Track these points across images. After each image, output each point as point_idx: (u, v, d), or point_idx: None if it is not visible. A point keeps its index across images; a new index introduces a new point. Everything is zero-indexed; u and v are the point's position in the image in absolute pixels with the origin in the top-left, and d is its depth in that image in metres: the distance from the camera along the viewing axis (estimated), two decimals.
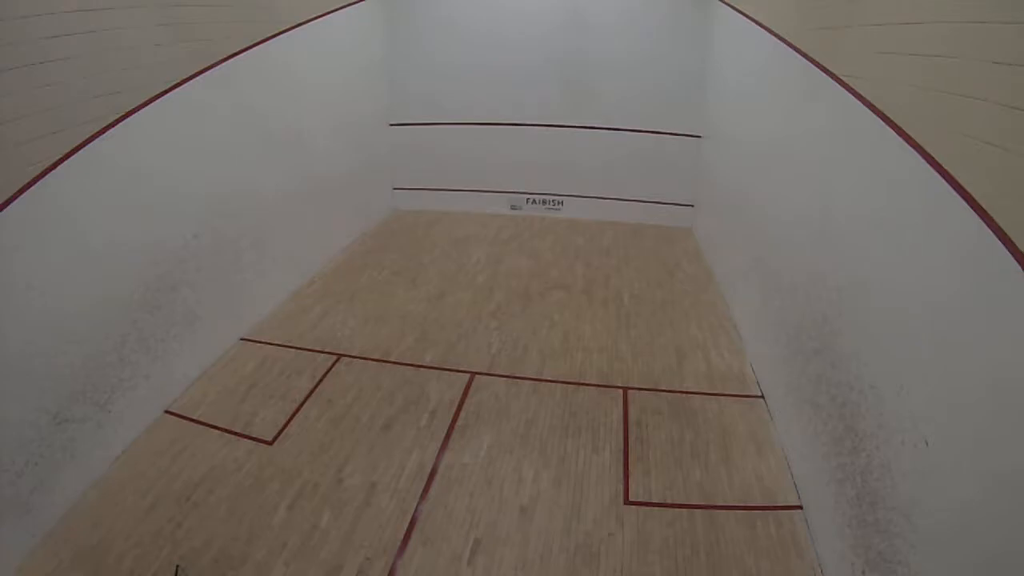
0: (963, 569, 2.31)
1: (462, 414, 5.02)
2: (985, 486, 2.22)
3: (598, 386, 5.40)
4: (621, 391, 5.33)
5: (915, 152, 2.86)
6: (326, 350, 5.91)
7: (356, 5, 7.96)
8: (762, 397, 5.21)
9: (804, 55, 4.59)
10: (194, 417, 4.95)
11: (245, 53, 5.78)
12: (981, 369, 2.30)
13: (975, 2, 2.52)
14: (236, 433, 4.77)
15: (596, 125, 9.09)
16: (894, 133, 3.08)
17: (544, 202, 9.70)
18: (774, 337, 4.96)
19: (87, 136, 4.07)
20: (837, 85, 3.90)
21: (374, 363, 5.73)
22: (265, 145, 6.29)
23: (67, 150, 3.92)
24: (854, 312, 3.50)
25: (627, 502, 4.12)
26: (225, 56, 5.50)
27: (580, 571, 3.62)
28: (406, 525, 3.94)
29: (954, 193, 2.52)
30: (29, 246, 3.70)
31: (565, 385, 5.41)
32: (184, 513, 4.01)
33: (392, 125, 9.48)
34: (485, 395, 5.27)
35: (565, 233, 9.05)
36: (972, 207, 2.40)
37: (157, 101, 4.69)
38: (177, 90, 4.91)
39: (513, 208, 9.78)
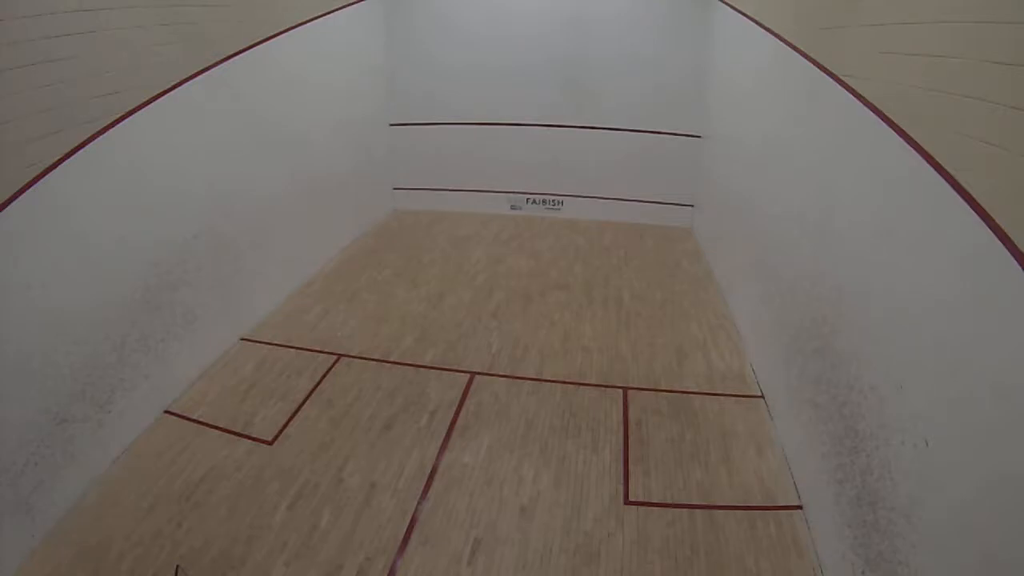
0: (963, 569, 2.31)
1: (462, 414, 5.02)
2: (985, 486, 2.21)
3: (598, 386, 5.40)
4: (621, 391, 5.33)
5: (915, 152, 2.86)
6: (326, 350, 5.91)
7: (356, 5, 7.96)
8: (762, 397, 5.21)
9: (804, 55, 4.58)
10: (194, 417, 4.95)
11: (245, 53, 5.78)
12: (981, 369, 2.30)
13: (975, 2, 2.52)
14: (236, 433, 4.77)
15: (596, 125, 9.09)
16: (894, 133, 3.08)
17: (544, 202, 9.70)
18: (774, 337, 4.96)
19: (87, 136, 4.07)
20: (837, 85, 3.89)
21: (374, 363, 5.73)
22: (265, 145, 6.29)
23: (67, 150, 3.92)
24: (854, 312, 3.50)
25: (627, 502, 4.12)
26: (225, 56, 5.50)
27: (580, 571, 3.62)
28: (406, 525, 3.94)
29: (954, 193, 2.52)
30: (29, 246, 3.70)
31: (565, 385, 5.41)
32: (184, 513, 4.01)
33: (392, 125, 9.48)
34: (485, 395, 5.27)
35: (565, 233, 9.05)
36: (972, 207, 2.40)
37: (157, 101, 4.69)
38: (177, 90, 4.91)
39: (513, 208, 9.78)
